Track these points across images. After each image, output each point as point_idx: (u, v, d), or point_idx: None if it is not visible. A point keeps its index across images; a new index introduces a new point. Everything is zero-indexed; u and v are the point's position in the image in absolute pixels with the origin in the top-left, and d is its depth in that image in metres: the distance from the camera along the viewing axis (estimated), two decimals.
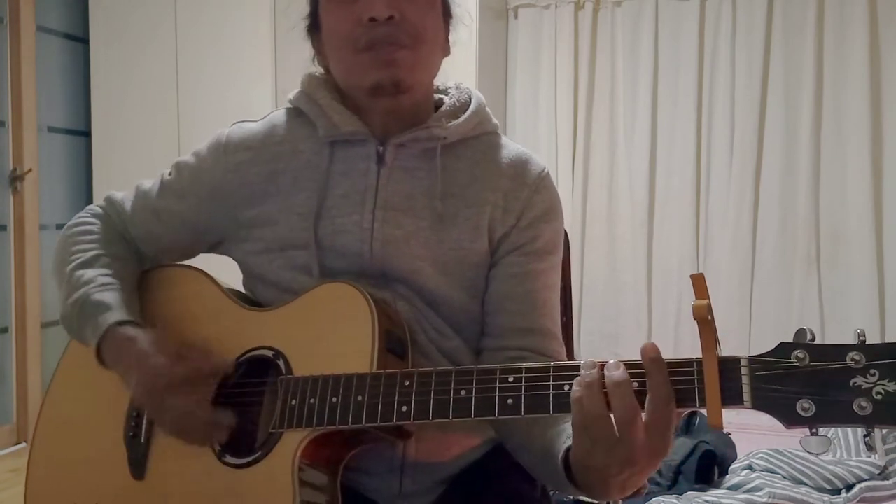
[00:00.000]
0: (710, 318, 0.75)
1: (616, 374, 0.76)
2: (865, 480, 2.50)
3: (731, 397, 0.73)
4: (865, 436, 0.70)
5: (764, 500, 2.40)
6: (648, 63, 3.55)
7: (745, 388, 0.73)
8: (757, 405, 0.72)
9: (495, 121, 1.11)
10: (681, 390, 0.75)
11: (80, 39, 3.59)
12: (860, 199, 3.30)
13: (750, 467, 2.62)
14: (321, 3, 1.04)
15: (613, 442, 0.75)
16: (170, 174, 1.13)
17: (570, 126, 3.66)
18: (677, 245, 3.56)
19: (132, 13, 3.42)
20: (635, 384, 0.76)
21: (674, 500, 2.37)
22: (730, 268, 3.46)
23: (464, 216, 1.03)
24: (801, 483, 2.50)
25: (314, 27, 1.07)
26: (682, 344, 3.50)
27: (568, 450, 0.84)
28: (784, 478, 2.53)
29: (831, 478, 2.50)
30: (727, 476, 2.58)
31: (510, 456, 1.09)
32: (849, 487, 2.48)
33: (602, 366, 0.77)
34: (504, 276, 1.05)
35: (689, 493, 2.43)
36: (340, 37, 1.00)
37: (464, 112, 1.07)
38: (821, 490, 2.48)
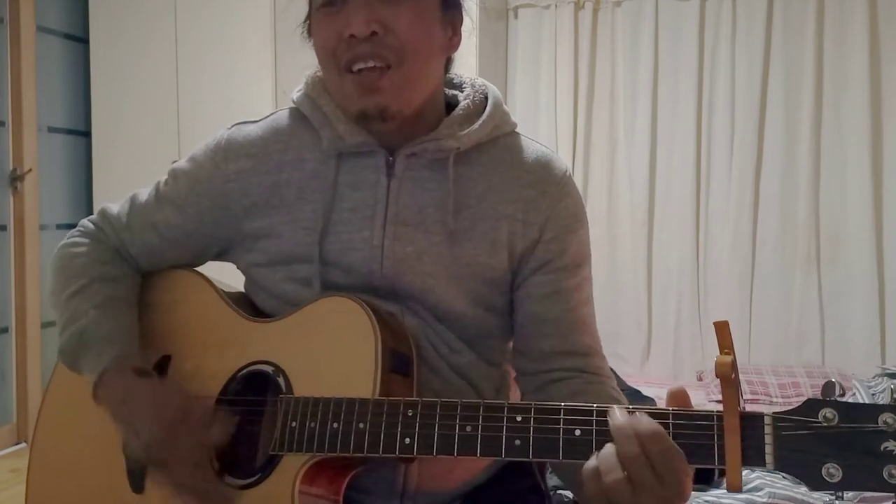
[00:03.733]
0: (733, 375, 0.70)
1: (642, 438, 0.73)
2: None
3: (753, 458, 0.69)
4: (894, 503, 0.67)
5: (764, 500, 2.40)
6: (648, 63, 3.55)
7: (769, 449, 0.69)
8: (780, 467, 0.69)
9: (514, 120, 1.05)
10: (700, 446, 0.72)
11: (80, 39, 3.59)
12: (860, 199, 3.30)
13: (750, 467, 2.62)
14: (311, 15, 0.99)
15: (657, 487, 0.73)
16: (165, 183, 1.07)
17: (570, 126, 3.65)
18: (677, 245, 3.55)
19: (132, 13, 3.42)
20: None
21: None
22: (730, 268, 3.46)
23: (480, 230, 0.98)
24: (802, 483, 2.50)
25: (311, 32, 1.02)
26: (681, 344, 3.50)
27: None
28: (784, 478, 2.53)
29: None
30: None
31: (519, 481, 1.07)
32: None
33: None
34: (536, 297, 1.00)
35: None
36: (324, 52, 0.95)
37: (479, 116, 1.01)
38: None
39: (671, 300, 3.56)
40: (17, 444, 3.27)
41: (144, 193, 1.09)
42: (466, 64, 3.22)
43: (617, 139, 3.64)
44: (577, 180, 3.66)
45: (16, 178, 3.29)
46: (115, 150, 3.48)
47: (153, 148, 3.36)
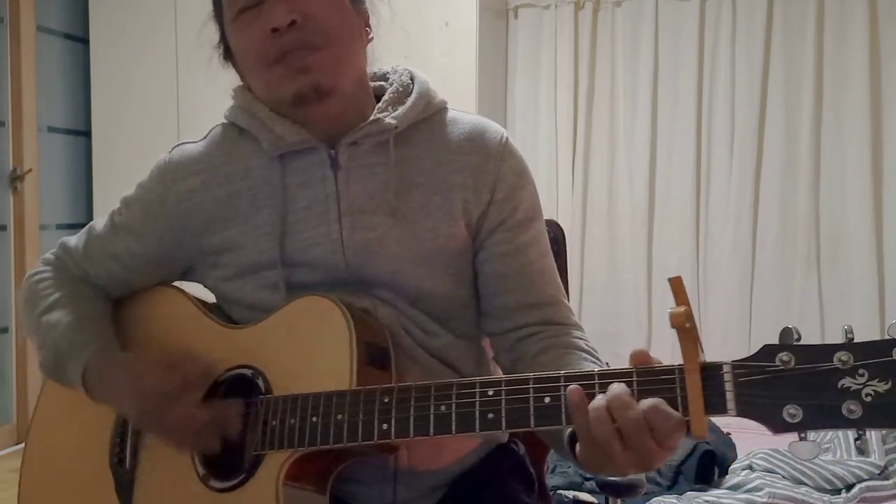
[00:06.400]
0: (688, 325, 0.71)
1: (617, 390, 0.75)
2: (865, 480, 2.50)
3: (715, 406, 0.71)
4: (856, 439, 0.68)
5: (764, 500, 2.40)
6: (648, 63, 3.55)
7: (729, 396, 0.70)
8: (742, 412, 0.70)
9: (441, 97, 1.06)
10: (664, 399, 0.73)
11: (80, 39, 3.59)
12: (860, 199, 3.29)
13: (750, 467, 2.62)
14: (226, 28, 1.01)
15: (622, 455, 0.74)
16: (119, 212, 1.09)
17: (570, 126, 3.65)
18: (677, 245, 3.55)
19: (132, 13, 3.42)
20: (636, 391, 0.74)
21: (674, 500, 2.36)
22: (730, 268, 3.46)
23: (434, 204, 0.99)
24: (801, 483, 2.50)
25: (228, 53, 1.05)
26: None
27: (572, 437, 0.83)
28: (784, 478, 2.53)
29: (831, 478, 2.50)
30: (727, 476, 2.58)
31: (507, 461, 1.08)
32: (849, 487, 2.48)
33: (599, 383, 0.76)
34: (495, 257, 1.02)
35: (689, 493, 2.43)
36: (250, 55, 0.98)
37: (408, 96, 1.03)
38: (821, 490, 2.48)
39: (671, 300, 3.54)
40: (17, 444, 3.28)
41: (100, 224, 1.11)
42: (466, 64, 3.22)
43: (617, 139, 3.64)
44: (578, 180, 3.66)
45: (16, 178, 3.29)
46: (115, 150, 3.48)
47: (153, 148, 3.32)
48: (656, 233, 3.60)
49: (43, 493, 1.08)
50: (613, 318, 3.63)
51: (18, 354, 3.30)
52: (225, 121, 1.07)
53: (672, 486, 2.46)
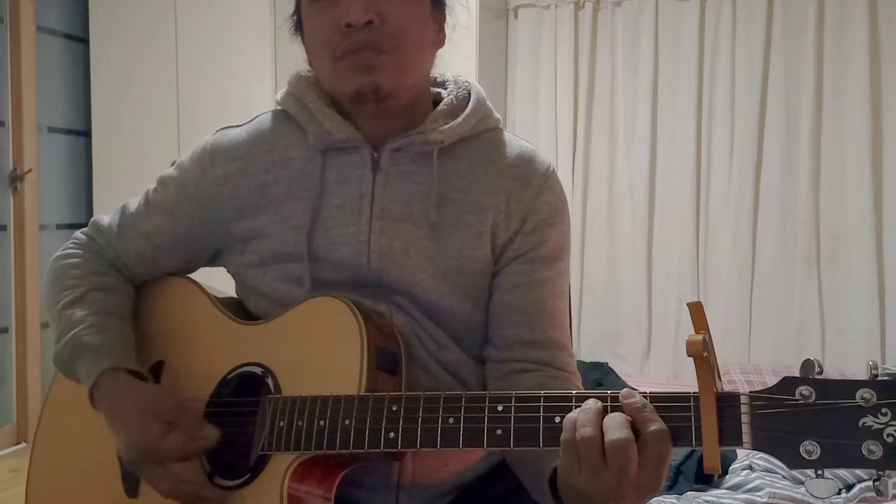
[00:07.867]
0: (705, 354, 0.69)
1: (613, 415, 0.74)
2: (865, 480, 2.49)
3: (730, 437, 0.69)
4: (875, 480, 0.65)
5: (764, 500, 2.40)
6: (648, 63, 3.55)
7: (745, 428, 0.69)
8: (757, 446, 0.68)
9: (497, 115, 1.06)
10: (677, 428, 0.72)
11: (80, 39, 3.59)
12: (860, 199, 3.29)
13: (750, 467, 2.62)
14: (302, 7, 1.00)
15: (600, 467, 0.72)
16: (154, 191, 1.08)
17: (570, 126, 3.65)
18: (677, 245, 3.55)
19: (132, 13, 3.42)
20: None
21: (674, 500, 2.36)
22: (730, 268, 3.46)
23: (465, 223, 0.99)
24: (802, 483, 2.50)
25: (299, 27, 1.04)
26: (681, 345, 3.48)
27: (556, 469, 0.81)
28: (784, 478, 2.53)
29: None
30: (727, 476, 2.57)
31: (511, 477, 1.06)
32: (849, 487, 2.48)
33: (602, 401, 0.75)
34: (509, 286, 1.00)
35: (689, 493, 2.43)
36: (320, 42, 0.97)
37: (462, 110, 1.02)
38: None
39: (671, 300, 3.56)
40: (17, 444, 3.28)
41: (134, 203, 1.10)
42: (466, 64, 3.22)
43: (617, 139, 3.64)
44: (578, 180, 3.66)
45: (16, 178, 3.29)
46: (115, 150, 3.48)
47: (153, 148, 3.36)
48: (656, 233, 3.60)
49: (51, 481, 1.08)
50: (613, 318, 3.63)
51: (18, 354, 3.30)
52: (277, 107, 1.06)
53: (672, 486, 2.46)
